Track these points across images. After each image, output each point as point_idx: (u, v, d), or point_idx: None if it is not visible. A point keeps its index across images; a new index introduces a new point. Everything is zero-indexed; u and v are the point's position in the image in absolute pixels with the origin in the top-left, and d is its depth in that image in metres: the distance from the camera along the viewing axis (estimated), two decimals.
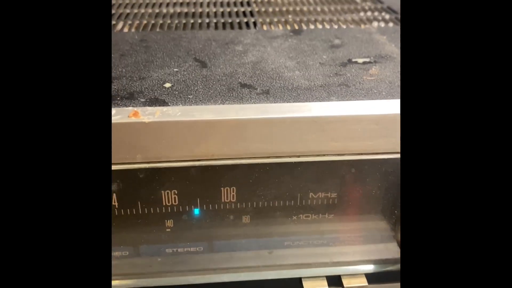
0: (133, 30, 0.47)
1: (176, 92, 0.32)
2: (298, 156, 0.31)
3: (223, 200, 0.33)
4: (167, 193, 0.32)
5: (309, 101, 0.32)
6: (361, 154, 0.31)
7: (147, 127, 0.28)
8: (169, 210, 0.33)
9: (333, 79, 0.35)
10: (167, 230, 0.34)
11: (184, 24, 0.49)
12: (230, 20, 0.51)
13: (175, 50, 0.41)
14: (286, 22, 0.50)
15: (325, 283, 0.36)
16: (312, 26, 0.49)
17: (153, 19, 0.51)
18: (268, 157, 0.31)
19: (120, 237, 0.34)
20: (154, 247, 0.35)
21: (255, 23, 0.50)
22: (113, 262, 0.35)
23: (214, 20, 0.50)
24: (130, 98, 0.31)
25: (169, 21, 0.50)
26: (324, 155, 0.31)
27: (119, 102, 0.31)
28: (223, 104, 0.31)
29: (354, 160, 0.31)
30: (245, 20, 0.51)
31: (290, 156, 0.31)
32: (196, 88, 0.33)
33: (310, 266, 0.36)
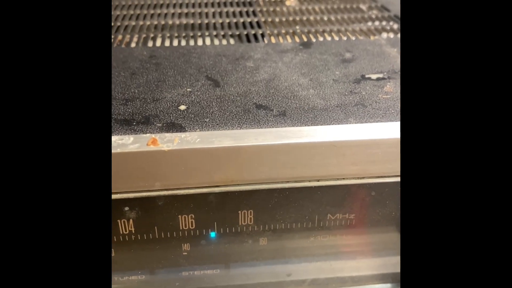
0: (140, 45, 0.46)
1: (192, 115, 0.32)
2: (318, 180, 0.30)
3: (240, 224, 0.32)
4: (184, 217, 0.32)
5: (327, 123, 0.31)
6: (382, 177, 0.31)
7: (166, 155, 0.28)
8: (186, 234, 0.32)
9: (348, 98, 0.35)
10: (184, 253, 0.33)
11: (192, 36, 0.49)
12: (237, 32, 0.50)
13: (186, 67, 0.40)
14: (294, 33, 0.50)
15: None
16: (321, 38, 0.48)
17: (160, 32, 0.50)
18: (288, 182, 0.30)
19: (136, 261, 0.34)
20: (171, 270, 0.34)
21: (263, 35, 0.49)
22: (130, 286, 0.34)
23: (222, 33, 0.50)
24: (146, 123, 0.31)
25: (176, 34, 0.49)
26: (344, 178, 0.31)
27: (135, 127, 0.30)
28: (240, 127, 0.31)
29: (374, 183, 0.31)
30: (253, 31, 0.50)
31: (309, 181, 0.30)
32: (211, 110, 0.33)
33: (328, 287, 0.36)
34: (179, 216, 0.31)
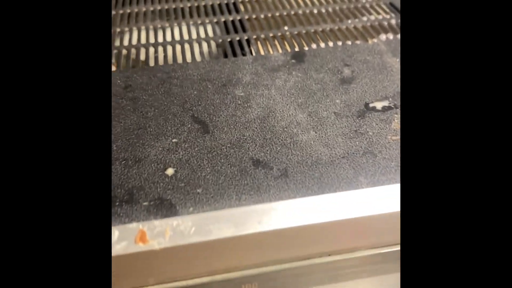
0: (113, 68, 0.41)
1: (182, 184, 0.28)
2: (329, 255, 0.27)
3: None
4: None
5: (335, 185, 0.28)
6: (397, 244, 0.28)
7: (158, 254, 0.24)
8: None
9: (355, 143, 0.31)
10: None
11: (172, 55, 0.44)
12: (220, 40, 0.45)
13: (168, 102, 0.36)
14: (283, 37, 0.45)
15: None
16: (314, 45, 0.43)
17: (135, 51, 0.45)
18: (297, 261, 0.27)
19: None
20: None
21: (248, 41, 0.44)
22: None
23: (205, 45, 0.45)
24: (130, 202, 0.27)
25: (155, 54, 0.44)
26: (357, 250, 0.28)
27: (119, 209, 0.27)
28: (239, 199, 0.27)
29: (390, 252, 0.28)
30: (237, 37, 0.45)
31: (320, 256, 0.27)
32: (203, 173, 0.29)
33: None
34: None
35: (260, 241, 0.26)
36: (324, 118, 0.34)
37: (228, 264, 0.26)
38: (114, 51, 0.44)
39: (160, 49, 0.44)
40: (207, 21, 0.48)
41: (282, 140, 0.32)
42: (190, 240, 0.25)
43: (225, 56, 0.42)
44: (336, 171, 0.29)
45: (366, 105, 0.35)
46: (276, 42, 0.44)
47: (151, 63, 0.42)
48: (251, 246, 0.26)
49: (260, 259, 0.26)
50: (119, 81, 0.39)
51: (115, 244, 0.24)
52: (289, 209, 0.26)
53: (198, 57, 0.43)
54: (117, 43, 0.45)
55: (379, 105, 0.35)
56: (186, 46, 0.44)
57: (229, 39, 0.45)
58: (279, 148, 0.31)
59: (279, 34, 0.45)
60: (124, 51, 0.44)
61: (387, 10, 0.49)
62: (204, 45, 0.45)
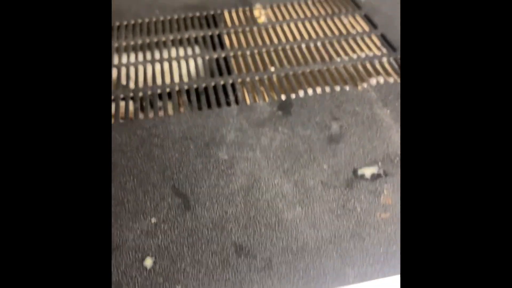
0: None
1: (161, 280, 0.27)
2: None
3: None
4: None
5: (321, 279, 0.27)
6: None
7: None
8: None
9: (342, 222, 0.30)
10: None
11: (150, 106, 0.42)
12: (204, 85, 0.43)
13: (148, 169, 0.34)
14: (269, 79, 0.43)
15: None
16: (301, 92, 0.42)
17: (115, 101, 0.43)
18: None
19: None
20: None
21: (233, 85, 0.42)
22: None
23: (186, 93, 0.43)
24: None
25: (135, 105, 0.42)
26: None
27: None
28: None
29: None
30: (222, 82, 0.43)
31: None
32: (183, 264, 0.28)
33: None
34: None
35: None
36: (311, 189, 0.32)
37: None
38: None
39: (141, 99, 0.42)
40: (190, 57, 0.46)
41: (266, 219, 0.30)
42: None
43: (209, 106, 0.40)
44: (322, 260, 0.28)
45: (355, 171, 0.34)
46: (262, 88, 0.42)
47: (130, 115, 0.40)
48: None
49: None
50: None
51: None
52: None
53: (181, 107, 0.41)
54: None
55: (368, 172, 0.34)
56: (168, 95, 0.42)
57: (213, 84, 0.43)
58: (263, 229, 0.30)
59: (266, 77, 0.44)
60: None
61: (378, 44, 0.48)
62: (190, 92, 0.43)
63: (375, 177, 0.33)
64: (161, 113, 0.40)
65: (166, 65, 0.46)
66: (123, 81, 0.44)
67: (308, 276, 0.27)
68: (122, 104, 0.41)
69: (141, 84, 0.43)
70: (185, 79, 0.44)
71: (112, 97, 0.41)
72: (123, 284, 0.27)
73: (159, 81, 0.43)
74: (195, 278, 0.27)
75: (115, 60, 0.46)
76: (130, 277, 0.27)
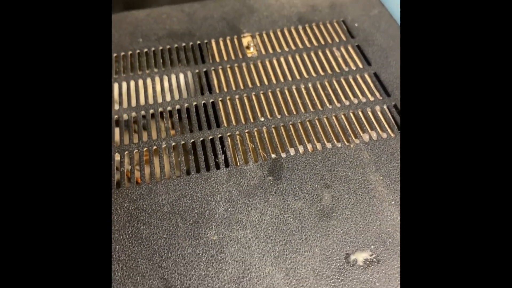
0: None
1: None
2: None
3: None
4: None
5: None
6: None
7: None
8: None
9: None
10: None
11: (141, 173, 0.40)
12: (192, 140, 0.41)
13: (136, 254, 0.33)
14: (259, 133, 0.42)
15: None
16: (291, 151, 0.40)
17: None
18: None
19: None
20: None
21: (221, 140, 0.41)
22: None
23: (176, 154, 0.41)
24: None
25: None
26: None
27: None
28: None
29: None
30: (210, 136, 0.42)
31: None
32: None
33: None
34: None
35: None
36: (303, 280, 0.32)
37: None
38: None
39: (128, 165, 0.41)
40: (177, 103, 0.44)
41: None
42: None
43: (197, 170, 0.39)
44: None
45: (347, 257, 0.33)
46: (252, 146, 0.41)
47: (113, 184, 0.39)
48: None
49: None
50: None
51: None
52: None
53: (167, 171, 0.40)
54: None
55: (360, 257, 0.33)
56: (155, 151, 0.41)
57: (201, 138, 0.42)
58: None
59: (255, 130, 0.42)
60: None
61: (372, 86, 0.46)
62: (176, 152, 0.41)
63: (367, 264, 0.33)
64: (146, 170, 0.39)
65: (149, 113, 0.44)
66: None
67: None
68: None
69: (126, 141, 0.42)
70: (171, 131, 0.42)
71: None
72: None
73: (145, 137, 0.42)
74: None
75: None
76: None
